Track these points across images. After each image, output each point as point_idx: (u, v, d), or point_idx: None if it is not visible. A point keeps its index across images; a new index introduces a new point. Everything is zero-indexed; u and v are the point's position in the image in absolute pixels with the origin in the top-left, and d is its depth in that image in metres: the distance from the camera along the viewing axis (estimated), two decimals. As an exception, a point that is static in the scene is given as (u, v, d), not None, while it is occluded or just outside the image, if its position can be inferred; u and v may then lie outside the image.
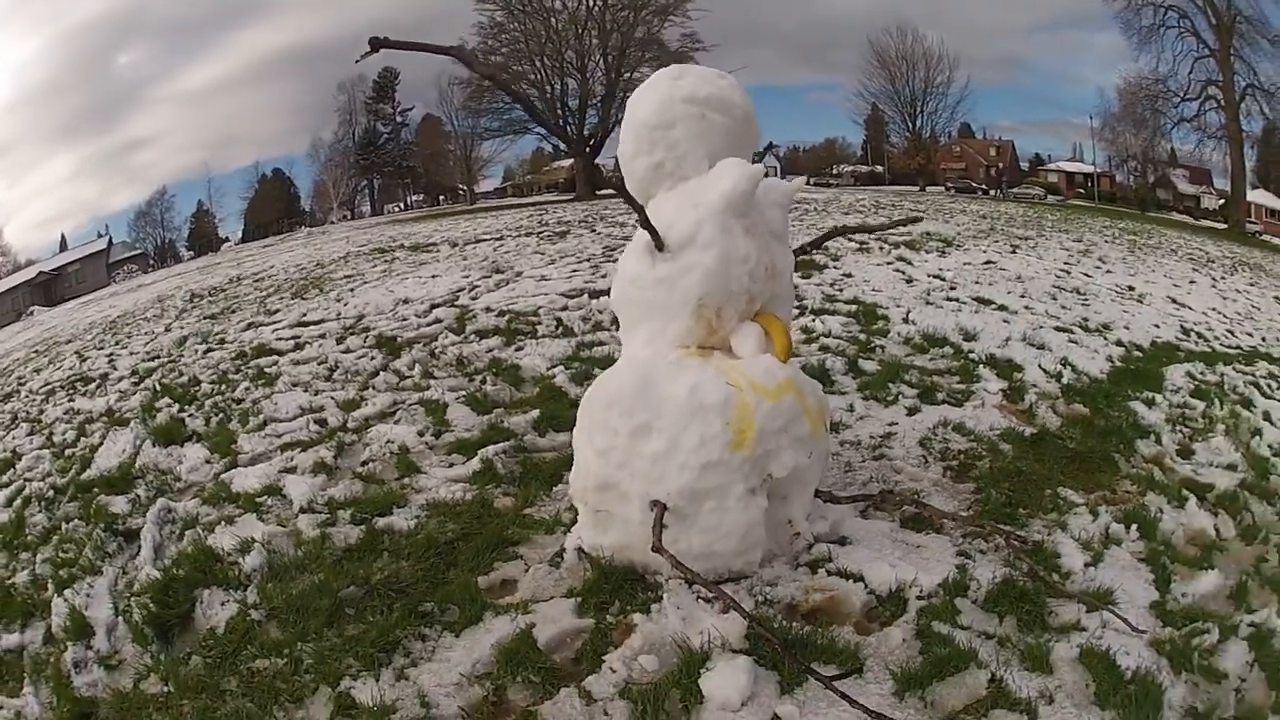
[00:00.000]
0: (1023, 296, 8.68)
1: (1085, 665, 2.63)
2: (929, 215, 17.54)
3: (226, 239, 40.01)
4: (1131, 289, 10.58)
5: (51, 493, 4.62)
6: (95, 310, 18.13)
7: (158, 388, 6.52)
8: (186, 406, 5.80)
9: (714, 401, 2.89)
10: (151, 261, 37.63)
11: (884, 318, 7.02)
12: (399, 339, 6.95)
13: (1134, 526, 3.59)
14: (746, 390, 2.94)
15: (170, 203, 40.05)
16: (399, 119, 41.92)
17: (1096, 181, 37.43)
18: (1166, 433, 4.87)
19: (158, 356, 8.11)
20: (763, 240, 3.12)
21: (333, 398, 5.50)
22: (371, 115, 41.34)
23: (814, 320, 6.78)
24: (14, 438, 6.20)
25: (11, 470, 5.30)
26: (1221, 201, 34.46)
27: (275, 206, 40.63)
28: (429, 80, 39.62)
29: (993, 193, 35.77)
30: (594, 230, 14.68)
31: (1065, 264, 12.15)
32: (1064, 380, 5.66)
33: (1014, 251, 12.93)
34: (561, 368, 5.72)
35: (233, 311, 10.55)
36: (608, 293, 3.89)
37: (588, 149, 37.00)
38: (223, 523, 3.82)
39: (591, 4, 36.57)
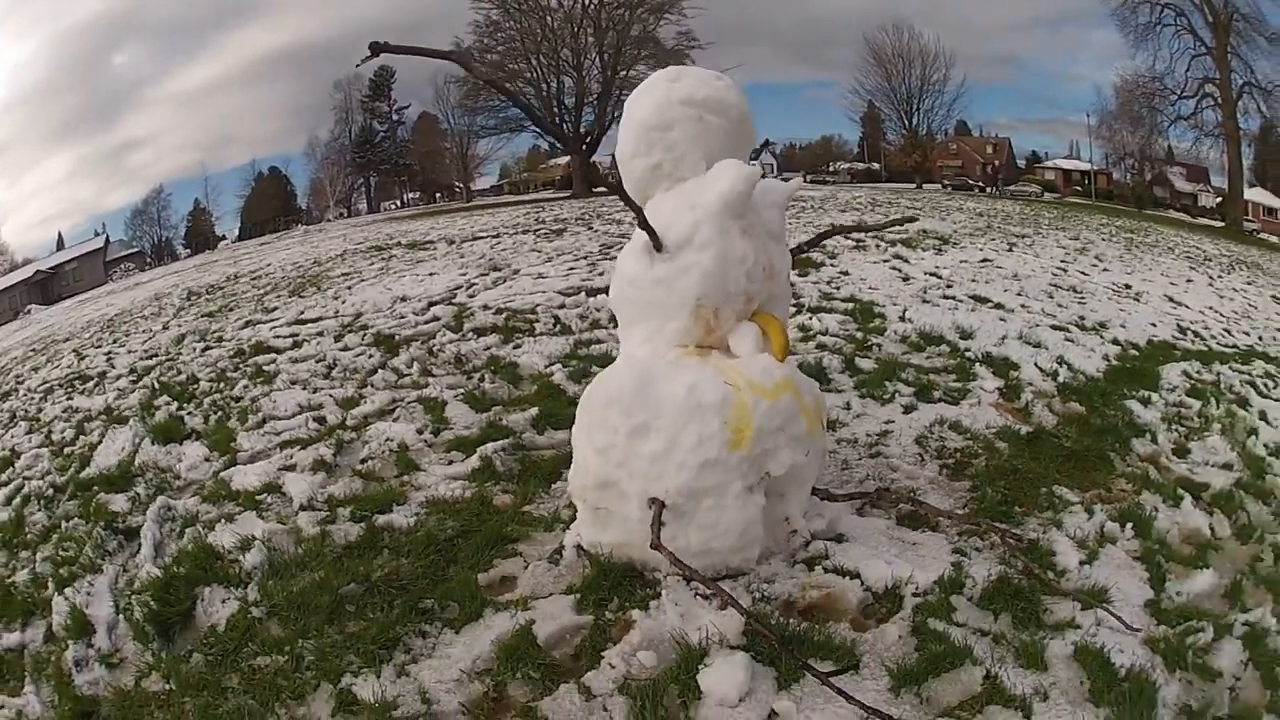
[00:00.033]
0: (1019, 294, 8.69)
1: (1080, 663, 2.65)
2: (925, 213, 17.51)
3: (223, 237, 39.82)
4: (1128, 287, 10.56)
5: (51, 491, 4.63)
6: (93, 308, 18.03)
7: (156, 386, 6.52)
8: (185, 404, 5.80)
9: (712, 401, 2.91)
10: (148, 260, 37.45)
11: (880, 316, 7.04)
12: (397, 337, 6.96)
13: (1129, 525, 3.61)
14: (744, 389, 2.96)
15: (167, 201, 39.83)
16: (395, 117, 41.79)
17: (1093, 179, 37.38)
18: (1162, 431, 4.88)
19: (156, 354, 8.10)
20: (760, 241, 3.13)
21: (331, 395, 5.51)
22: (368, 113, 41.18)
23: (811, 318, 6.79)
24: (12, 436, 6.20)
25: (10, 469, 5.30)
26: (1219, 199, 34.38)
27: (272, 204, 40.47)
28: (425, 79, 39.51)
29: (989, 190, 35.68)
30: (591, 228, 14.65)
31: (1062, 262, 12.13)
32: (1060, 379, 5.68)
33: (1010, 249, 12.90)
34: (559, 365, 5.72)
35: (230, 309, 10.52)
36: (605, 290, 3.91)
37: (584, 146, 36.93)
38: (223, 520, 3.83)
39: (587, 2, 36.48)
